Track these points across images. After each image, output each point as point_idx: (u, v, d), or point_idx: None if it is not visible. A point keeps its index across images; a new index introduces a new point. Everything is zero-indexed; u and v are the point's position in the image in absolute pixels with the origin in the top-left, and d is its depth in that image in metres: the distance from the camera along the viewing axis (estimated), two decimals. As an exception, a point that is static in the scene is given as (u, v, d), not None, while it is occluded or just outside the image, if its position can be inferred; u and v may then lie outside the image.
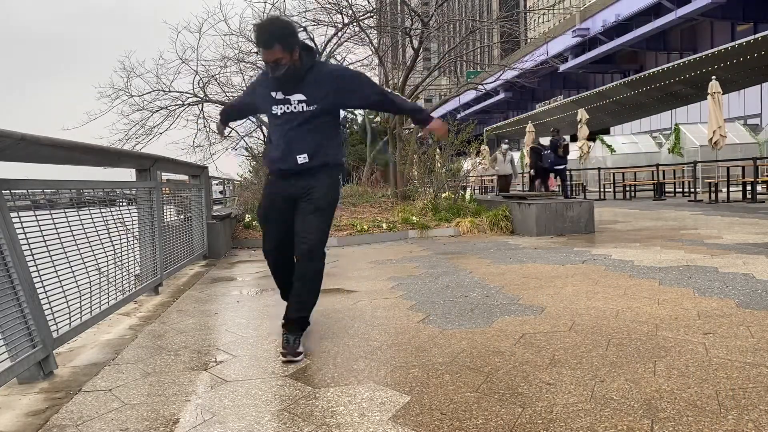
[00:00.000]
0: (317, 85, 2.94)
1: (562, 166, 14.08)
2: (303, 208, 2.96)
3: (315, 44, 13.88)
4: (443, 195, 10.37)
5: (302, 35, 13.86)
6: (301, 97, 2.93)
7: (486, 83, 16.27)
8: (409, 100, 3.23)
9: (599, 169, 19.20)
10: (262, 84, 3.08)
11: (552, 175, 14.32)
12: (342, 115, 3.27)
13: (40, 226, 2.88)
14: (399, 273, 5.29)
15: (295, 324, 2.90)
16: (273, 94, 2.97)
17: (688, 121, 23.01)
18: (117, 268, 3.87)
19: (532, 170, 14.62)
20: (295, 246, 2.97)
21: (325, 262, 3.01)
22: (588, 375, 2.40)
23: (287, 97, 2.94)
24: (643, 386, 2.24)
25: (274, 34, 2.84)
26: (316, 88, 2.93)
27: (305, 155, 2.93)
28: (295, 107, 2.93)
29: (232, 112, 3.66)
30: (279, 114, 2.96)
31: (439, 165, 10.80)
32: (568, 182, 15.04)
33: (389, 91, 3.25)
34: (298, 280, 2.95)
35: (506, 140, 17.36)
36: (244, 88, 14.38)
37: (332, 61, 14.97)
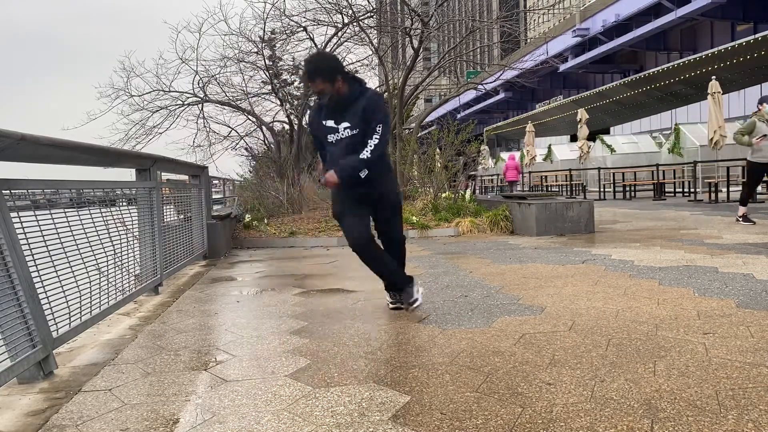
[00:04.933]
0: (358, 112, 3.40)
1: (473, 173, 18.24)
2: (382, 212, 3.67)
3: (315, 44, 13.89)
4: (443, 195, 10.37)
5: (302, 35, 13.87)
6: (347, 124, 3.43)
7: (486, 83, 16.26)
8: (371, 151, 3.39)
9: (599, 169, 19.19)
10: (316, 116, 3.58)
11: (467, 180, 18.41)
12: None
13: (40, 226, 2.88)
14: (399, 273, 5.28)
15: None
16: (325, 122, 3.48)
17: (688, 121, 23.00)
18: (117, 268, 3.87)
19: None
20: (385, 239, 3.75)
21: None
22: (588, 375, 2.40)
23: (336, 126, 3.45)
24: (643, 386, 2.24)
25: (316, 68, 3.40)
26: (357, 116, 3.40)
27: (365, 169, 3.44)
28: (342, 134, 3.44)
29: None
30: (333, 141, 3.49)
31: (439, 165, 10.79)
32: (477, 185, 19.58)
33: (381, 128, 3.38)
34: (393, 259, 3.71)
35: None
36: (245, 88, 14.37)
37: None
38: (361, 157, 3.35)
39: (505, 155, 26.45)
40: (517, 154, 25.68)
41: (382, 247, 3.70)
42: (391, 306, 3.78)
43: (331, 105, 3.44)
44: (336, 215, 3.67)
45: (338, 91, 3.39)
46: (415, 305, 3.68)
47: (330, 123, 3.46)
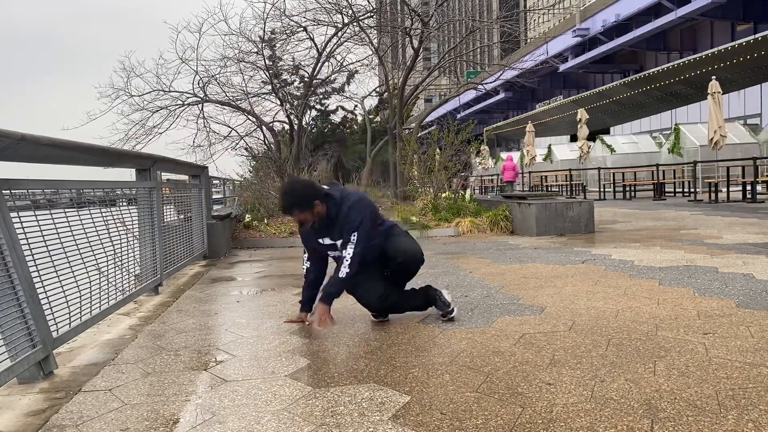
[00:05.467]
0: (340, 226, 3.28)
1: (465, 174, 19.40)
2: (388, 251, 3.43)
3: (315, 44, 13.89)
4: (443, 195, 10.37)
5: (302, 35, 13.88)
6: (333, 241, 3.32)
7: (486, 83, 16.29)
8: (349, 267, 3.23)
9: (599, 169, 19.19)
10: (311, 238, 3.44)
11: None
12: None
13: (40, 226, 2.88)
14: (399, 273, 5.27)
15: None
16: (322, 241, 3.37)
17: (688, 121, 23.01)
18: (117, 268, 3.87)
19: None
20: (402, 270, 3.49)
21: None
22: (588, 375, 2.40)
23: (334, 242, 3.33)
24: (643, 386, 2.24)
25: (292, 201, 3.24)
26: (340, 229, 3.28)
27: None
28: (338, 251, 3.32)
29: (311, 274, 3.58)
30: (333, 256, 3.44)
31: (438, 161, 10.77)
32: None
33: (356, 235, 3.22)
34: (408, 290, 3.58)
35: None
36: (245, 88, 14.33)
37: (332, 61, 14.99)
38: (340, 276, 3.19)
39: (505, 155, 26.51)
40: (514, 155, 25.77)
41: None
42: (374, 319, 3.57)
43: (317, 227, 3.32)
44: (350, 292, 3.44)
45: (319, 216, 3.25)
46: (453, 314, 3.41)
47: (327, 240, 3.35)
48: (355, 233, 3.21)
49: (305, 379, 2.55)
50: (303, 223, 3.30)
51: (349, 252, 3.22)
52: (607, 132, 30.77)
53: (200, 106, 14.30)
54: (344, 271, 3.21)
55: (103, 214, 3.76)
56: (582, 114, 19.26)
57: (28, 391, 2.57)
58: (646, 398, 2.13)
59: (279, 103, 15.11)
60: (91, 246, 3.43)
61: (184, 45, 24.40)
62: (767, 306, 3.39)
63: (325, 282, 3.43)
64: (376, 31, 14.43)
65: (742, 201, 12.65)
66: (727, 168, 13.55)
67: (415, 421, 2.04)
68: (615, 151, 23.19)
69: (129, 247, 4.22)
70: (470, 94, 37.51)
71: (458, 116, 39.54)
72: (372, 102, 21.89)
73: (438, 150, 11.23)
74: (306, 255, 3.56)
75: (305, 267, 3.55)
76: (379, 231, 3.41)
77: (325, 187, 3.37)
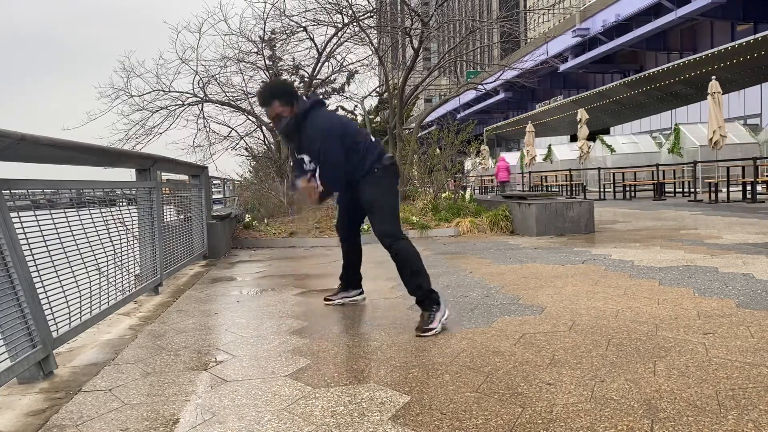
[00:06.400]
0: (309, 145, 3.43)
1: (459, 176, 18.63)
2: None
3: (315, 44, 13.89)
4: (443, 195, 10.36)
5: (302, 35, 13.87)
6: (307, 158, 3.49)
7: (486, 83, 16.27)
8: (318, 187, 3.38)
9: (599, 169, 19.18)
10: (294, 154, 3.67)
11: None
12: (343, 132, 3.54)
13: (40, 226, 2.88)
14: (399, 273, 5.27)
15: (421, 304, 3.32)
16: (298, 156, 3.55)
17: (688, 121, 23.00)
18: (117, 268, 3.87)
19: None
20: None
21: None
22: (588, 375, 2.40)
23: (301, 156, 3.51)
24: (643, 386, 2.24)
25: (269, 92, 3.48)
26: (309, 148, 3.44)
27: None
28: (310, 164, 3.48)
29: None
30: (311, 168, 3.50)
31: (439, 152, 10.78)
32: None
33: (320, 169, 3.38)
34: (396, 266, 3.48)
35: None
36: (245, 88, 14.38)
37: (332, 61, 14.98)
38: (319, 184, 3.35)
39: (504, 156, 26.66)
40: (507, 156, 25.97)
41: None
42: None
43: (286, 131, 3.49)
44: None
45: (293, 115, 3.42)
46: (425, 334, 3.13)
47: (305, 157, 3.50)
48: (318, 163, 3.37)
49: (305, 379, 2.55)
50: (279, 118, 3.44)
51: (317, 175, 3.37)
52: (607, 132, 30.78)
53: (200, 106, 14.28)
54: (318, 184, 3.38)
55: (103, 214, 3.76)
56: (582, 114, 19.27)
57: (28, 391, 2.57)
58: (646, 398, 2.13)
59: (279, 103, 15.08)
60: (91, 246, 3.42)
61: (184, 45, 24.43)
62: (767, 306, 3.40)
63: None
64: (376, 31, 14.42)
65: (742, 201, 12.65)
66: (727, 168, 13.55)
67: (415, 421, 2.04)
68: (615, 151, 23.19)
69: (129, 247, 4.22)
70: (470, 94, 37.52)
71: (458, 116, 39.53)
72: (372, 102, 21.91)
73: (438, 150, 11.24)
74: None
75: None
76: (354, 154, 3.44)
77: (305, 99, 3.52)
